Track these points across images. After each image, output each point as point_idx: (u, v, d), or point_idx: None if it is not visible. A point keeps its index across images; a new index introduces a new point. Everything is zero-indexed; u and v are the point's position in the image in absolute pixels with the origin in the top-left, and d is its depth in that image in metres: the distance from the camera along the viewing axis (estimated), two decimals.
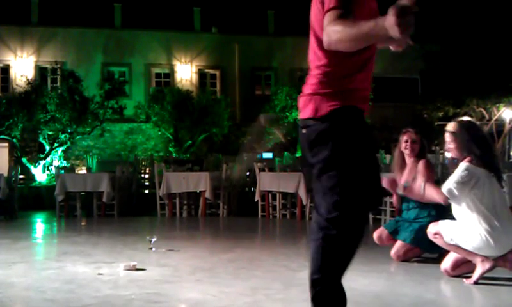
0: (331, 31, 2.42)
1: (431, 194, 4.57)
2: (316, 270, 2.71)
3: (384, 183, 5.23)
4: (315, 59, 2.84)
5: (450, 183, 4.37)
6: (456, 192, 4.33)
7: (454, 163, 4.55)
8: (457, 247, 4.44)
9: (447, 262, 4.64)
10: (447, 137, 4.55)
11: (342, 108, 2.62)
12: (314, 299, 2.71)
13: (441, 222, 4.62)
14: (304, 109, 2.73)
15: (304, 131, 2.70)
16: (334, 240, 2.65)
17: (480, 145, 4.41)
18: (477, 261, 4.36)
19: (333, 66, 2.70)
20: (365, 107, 2.73)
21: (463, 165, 4.39)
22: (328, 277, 2.70)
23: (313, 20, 2.85)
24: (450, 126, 4.59)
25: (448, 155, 4.71)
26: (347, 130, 2.63)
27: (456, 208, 4.49)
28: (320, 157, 2.63)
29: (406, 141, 5.61)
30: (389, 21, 2.13)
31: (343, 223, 2.63)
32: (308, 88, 2.78)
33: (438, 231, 4.54)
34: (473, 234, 4.31)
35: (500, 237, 4.27)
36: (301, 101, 2.78)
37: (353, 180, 2.60)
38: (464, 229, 4.39)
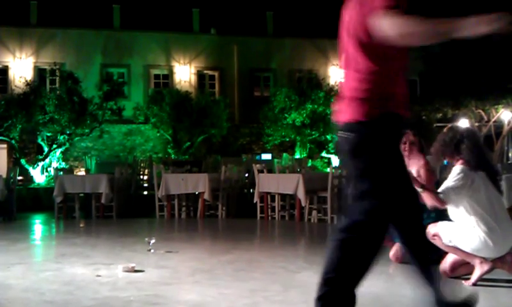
0: (400, 25, 2.43)
1: (428, 200, 4.58)
2: (331, 270, 2.69)
3: None
4: (352, 63, 2.78)
5: (446, 187, 4.38)
6: (452, 195, 4.35)
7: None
8: (456, 249, 4.44)
9: (445, 263, 4.64)
10: (442, 138, 4.59)
11: (385, 114, 2.66)
12: (321, 298, 2.67)
13: (439, 223, 4.62)
14: (346, 112, 2.73)
15: (345, 134, 2.72)
16: (353, 244, 2.67)
17: (474, 147, 4.44)
18: (476, 262, 4.36)
19: (375, 70, 2.71)
20: (407, 113, 2.78)
21: (457, 167, 4.40)
22: (341, 279, 2.69)
23: (352, 24, 2.76)
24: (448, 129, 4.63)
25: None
26: (388, 139, 2.69)
27: (453, 211, 4.50)
28: (359, 162, 2.68)
29: (404, 143, 5.62)
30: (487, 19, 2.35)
31: (366, 230, 2.66)
32: (348, 91, 2.77)
33: (437, 232, 4.55)
34: (472, 236, 4.31)
35: (499, 238, 4.28)
36: (342, 103, 2.78)
37: (386, 190, 2.66)
38: (462, 230, 4.39)
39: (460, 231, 4.40)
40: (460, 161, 4.42)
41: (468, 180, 4.33)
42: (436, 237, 4.55)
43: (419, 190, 4.66)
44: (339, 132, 2.77)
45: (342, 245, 2.68)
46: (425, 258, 2.91)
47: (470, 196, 4.33)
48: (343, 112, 2.75)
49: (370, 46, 2.66)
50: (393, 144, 2.73)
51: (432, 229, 4.61)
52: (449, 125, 4.70)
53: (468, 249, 4.35)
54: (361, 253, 2.69)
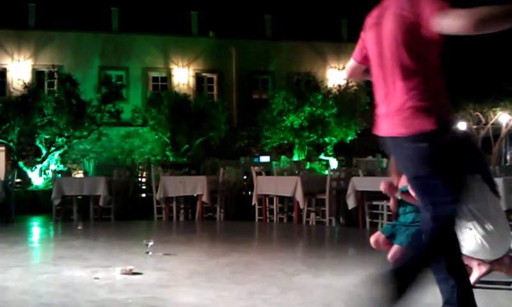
0: (474, 14, 2.47)
1: None
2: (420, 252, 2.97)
3: (382, 186, 5.28)
4: (402, 72, 2.81)
5: None
6: None
7: None
8: None
9: None
10: None
11: (446, 122, 2.81)
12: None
13: None
14: (413, 124, 2.75)
15: (418, 145, 2.76)
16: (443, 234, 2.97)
17: (470, 150, 4.44)
18: (474, 265, 4.37)
19: (429, 78, 2.81)
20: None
21: None
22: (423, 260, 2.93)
23: (399, 34, 2.81)
24: None
25: None
26: (455, 144, 2.85)
27: None
28: (440, 168, 2.79)
29: None
30: None
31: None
32: (404, 102, 2.79)
33: None
34: (469, 238, 4.32)
35: (496, 241, 4.28)
36: (404, 114, 2.79)
37: (465, 189, 2.95)
38: (460, 233, 4.39)
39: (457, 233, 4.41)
40: None
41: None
42: None
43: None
44: (407, 144, 2.79)
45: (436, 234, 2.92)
46: None
47: (466, 199, 4.33)
48: (411, 124, 2.75)
49: (424, 56, 2.79)
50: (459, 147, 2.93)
51: None
52: None
53: (465, 252, 4.36)
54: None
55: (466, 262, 4.41)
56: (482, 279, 4.38)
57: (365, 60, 3.20)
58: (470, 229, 4.31)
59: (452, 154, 2.78)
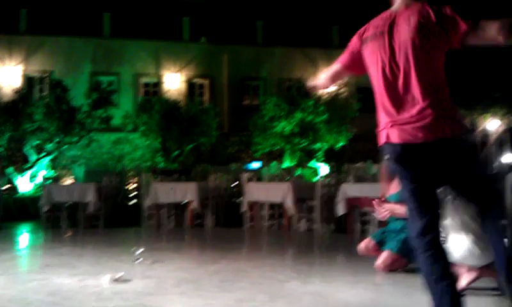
0: (500, 25, 2.81)
1: None
2: None
3: (375, 205, 5.35)
4: (421, 81, 2.93)
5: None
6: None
7: None
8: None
9: None
10: None
11: (466, 127, 3.06)
12: None
13: None
14: (454, 128, 2.91)
15: (458, 146, 2.92)
16: None
17: None
18: (463, 271, 4.37)
19: (444, 87, 3.00)
20: None
21: None
22: None
23: (422, 43, 2.94)
24: None
25: None
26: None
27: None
28: (476, 158, 3.13)
29: None
30: None
31: None
32: (426, 108, 2.90)
33: None
34: (459, 244, 4.33)
35: (485, 246, 4.29)
36: (427, 121, 2.89)
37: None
38: (449, 239, 4.41)
39: (447, 239, 4.42)
40: None
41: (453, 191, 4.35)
42: None
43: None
44: (454, 142, 2.90)
45: None
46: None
47: (456, 206, 4.35)
48: (452, 129, 2.90)
49: (440, 66, 2.99)
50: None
51: None
52: None
53: (455, 257, 4.36)
54: None
55: (455, 269, 4.43)
56: (472, 285, 4.39)
57: (353, 67, 3.35)
58: (460, 235, 4.33)
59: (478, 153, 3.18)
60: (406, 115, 2.92)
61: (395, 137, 2.96)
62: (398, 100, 2.96)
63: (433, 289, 2.95)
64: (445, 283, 2.90)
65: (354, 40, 3.25)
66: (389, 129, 3.00)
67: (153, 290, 4.72)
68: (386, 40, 3.00)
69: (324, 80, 3.55)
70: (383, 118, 3.05)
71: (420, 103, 2.89)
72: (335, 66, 3.43)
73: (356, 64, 3.30)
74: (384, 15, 3.08)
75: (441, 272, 2.94)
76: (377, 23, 3.08)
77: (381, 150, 3.10)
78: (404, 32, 2.93)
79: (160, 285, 4.96)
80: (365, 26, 3.19)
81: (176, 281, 5.16)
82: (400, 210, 5.14)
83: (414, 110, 2.89)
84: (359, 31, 3.23)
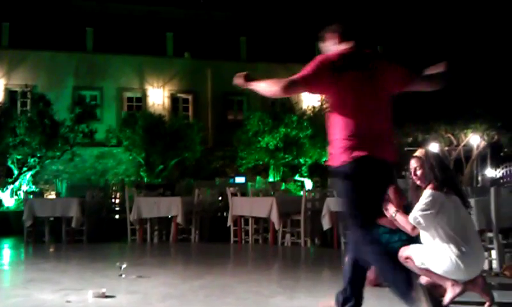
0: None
1: (402, 223, 4.66)
2: None
3: None
4: (386, 111, 3.93)
5: (415, 212, 4.45)
6: (421, 220, 4.41)
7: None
8: (428, 271, 4.48)
9: None
10: (414, 163, 4.67)
11: None
12: None
13: (412, 246, 4.66)
14: (395, 153, 3.83)
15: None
16: None
17: (444, 172, 4.55)
18: (448, 285, 4.40)
19: None
20: None
21: (427, 192, 4.47)
22: None
23: (393, 82, 4.01)
24: (419, 152, 4.72)
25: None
26: None
27: (424, 235, 4.55)
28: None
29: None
30: None
31: None
32: (390, 134, 3.88)
33: (409, 255, 4.58)
34: (443, 258, 4.36)
35: (470, 261, 4.33)
36: (391, 144, 3.88)
37: None
38: (434, 253, 4.44)
39: (432, 253, 4.45)
40: (430, 185, 4.49)
41: (437, 205, 4.39)
42: (408, 260, 4.58)
43: (392, 214, 4.73)
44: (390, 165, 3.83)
45: None
46: None
47: (440, 220, 4.39)
48: (394, 153, 3.83)
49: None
50: None
51: (405, 252, 4.64)
52: (418, 151, 4.78)
53: (440, 271, 4.39)
54: None
55: (440, 282, 4.46)
56: (457, 299, 4.41)
57: (316, 90, 4.07)
58: (445, 249, 4.36)
59: None
60: (382, 136, 3.74)
61: (383, 152, 3.71)
62: (373, 123, 3.73)
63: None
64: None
65: (325, 70, 3.74)
66: (377, 144, 3.70)
67: (138, 305, 4.68)
68: (370, 75, 3.75)
69: (288, 91, 3.94)
70: (368, 135, 3.68)
71: (387, 130, 3.81)
72: (299, 86, 3.87)
73: (319, 89, 4.05)
74: (360, 52, 3.81)
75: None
76: (353, 59, 3.75)
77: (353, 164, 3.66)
78: (385, 73, 3.84)
79: (145, 300, 4.92)
80: (333, 58, 3.76)
81: (161, 296, 5.12)
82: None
83: (385, 134, 3.78)
84: (327, 61, 3.77)
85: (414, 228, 4.53)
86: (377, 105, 3.76)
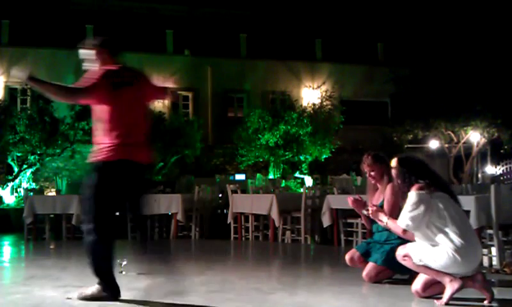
0: None
1: (393, 229, 4.72)
2: None
3: (349, 200, 5.42)
4: (145, 118, 4.74)
5: (404, 216, 4.50)
6: (410, 222, 4.47)
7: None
8: (426, 268, 4.49)
9: (417, 283, 4.69)
10: (393, 173, 4.77)
11: None
12: None
13: (409, 244, 4.68)
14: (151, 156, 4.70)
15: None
16: None
17: (421, 173, 4.59)
18: (446, 281, 4.41)
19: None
20: None
21: (412, 194, 4.51)
22: None
23: (150, 96, 4.90)
24: (392, 162, 4.80)
25: None
26: None
27: (418, 235, 4.58)
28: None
29: (366, 171, 5.71)
30: None
31: None
32: (145, 139, 4.63)
33: (407, 253, 4.60)
34: (441, 252, 4.37)
35: (467, 253, 4.35)
36: (146, 148, 4.63)
37: None
38: (431, 248, 4.46)
39: (429, 249, 4.47)
40: (415, 186, 4.53)
41: (423, 204, 4.44)
42: (406, 258, 4.60)
43: (384, 222, 4.80)
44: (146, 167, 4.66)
45: None
46: None
47: (430, 217, 4.43)
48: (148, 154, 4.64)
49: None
50: None
51: (402, 250, 4.67)
52: (392, 161, 4.83)
53: (437, 266, 4.41)
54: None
55: (438, 279, 4.47)
56: (456, 296, 4.43)
57: (95, 101, 4.45)
58: (441, 244, 4.38)
59: None
60: (138, 140, 4.48)
61: (137, 156, 4.44)
62: (133, 129, 4.45)
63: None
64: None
65: (106, 84, 4.38)
66: (132, 148, 4.41)
67: (139, 302, 4.69)
68: (137, 89, 4.54)
69: (60, 95, 4.62)
70: (125, 140, 4.35)
71: (142, 136, 4.57)
72: (82, 95, 4.46)
73: (98, 101, 4.43)
74: (125, 67, 4.65)
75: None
76: (123, 73, 4.54)
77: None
78: (145, 88, 4.67)
79: (146, 297, 4.93)
80: (112, 73, 4.44)
81: (162, 292, 5.13)
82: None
83: (141, 139, 4.52)
84: (108, 76, 4.41)
85: (405, 231, 4.57)
86: (140, 115, 4.54)
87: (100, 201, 4.41)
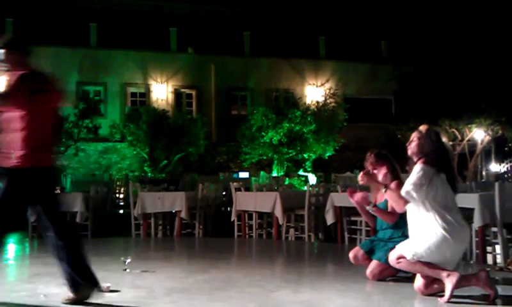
0: None
1: (394, 198, 4.72)
2: None
3: (348, 193, 5.45)
4: (52, 127, 4.57)
5: (407, 186, 4.53)
6: (413, 193, 4.50)
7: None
8: (423, 266, 4.49)
9: (419, 281, 4.69)
10: (415, 134, 4.75)
11: None
12: None
13: (398, 245, 4.71)
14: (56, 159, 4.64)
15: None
16: None
17: (441, 152, 4.63)
18: (443, 277, 4.41)
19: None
20: None
21: (417, 166, 4.55)
22: None
23: (55, 101, 4.70)
24: (422, 127, 4.79)
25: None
26: None
27: (411, 212, 4.62)
28: None
29: (370, 169, 5.71)
30: None
31: None
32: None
33: (399, 254, 4.61)
34: (430, 236, 4.43)
35: (456, 233, 4.41)
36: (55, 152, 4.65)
37: None
38: (421, 235, 4.49)
39: (419, 237, 4.50)
40: (421, 160, 4.58)
41: (428, 178, 4.48)
42: (400, 260, 4.61)
43: (382, 190, 4.84)
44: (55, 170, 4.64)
45: None
46: None
47: (428, 194, 4.47)
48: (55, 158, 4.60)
49: None
50: None
51: (394, 253, 4.69)
52: (422, 126, 4.82)
53: (430, 253, 4.42)
54: None
55: (436, 276, 4.47)
56: (460, 293, 4.42)
57: (14, 106, 4.31)
58: (431, 223, 4.43)
59: None
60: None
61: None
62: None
63: None
64: None
65: (25, 89, 4.29)
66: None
67: (143, 300, 4.70)
68: (48, 96, 4.49)
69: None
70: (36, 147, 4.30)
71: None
72: (6, 100, 4.31)
73: (17, 106, 4.30)
74: (40, 73, 4.58)
75: None
76: (39, 80, 4.48)
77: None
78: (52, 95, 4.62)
79: (150, 295, 4.94)
80: (30, 78, 4.39)
81: (167, 290, 5.14)
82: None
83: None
84: (23, 82, 4.31)
85: (405, 202, 4.58)
86: (50, 120, 4.48)
87: (6, 205, 4.39)
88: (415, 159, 4.67)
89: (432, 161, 4.55)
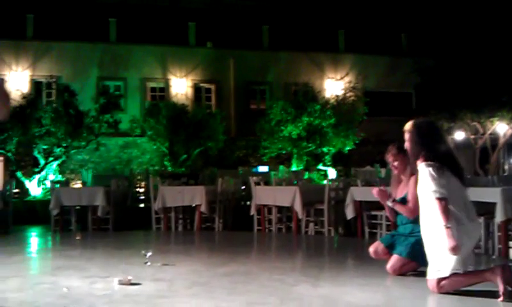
0: None
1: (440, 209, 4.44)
2: None
3: (373, 191, 5.42)
4: None
5: (433, 188, 4.38)
6: (443, 190, 4.33)
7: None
8: (464, 276, 4.37)
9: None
10: (405, 135, 4.71)
11: None
12: None
13: (428, 275, 4.58)
14: None
15: None
16: None
17: (438, 143, 4.56)
18: (487, 277, 4.31)
19: None
20: None
21: (423, 167, 4.43)
22: None
23: None
24: (407, 124, 4.73)
25: None
26: None
27: (425, 213, 4.53)
28: None
29: (390, 161, 5.70)
30: None
31: None
32: None
33: (433, 279, 4.49)
34: (442, 238, 4.31)
35: (467, 220, 4.37)
36: None
37: None
38: (436, 245, 4.39)
39: (435, 248, 4.42)
40: (421, 159, 4.48)
41: (441, 171, 4.40)
42: (442, 284, 4.48)
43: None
44: None
45: None
46: None
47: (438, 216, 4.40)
48: None
49: None
50: None
51: (430, 283, 4.55)
52: (407, 124, 4.75)
53: (446, 252, 4.32)
54: None
55: (479, 281, 4.36)
56: (483, 288, 4.37)
57: None
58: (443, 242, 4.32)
59: None
60: None
61: None
62: None
63: None
64: None
65: None
66: None
67: (164, 293, 4.74)
68: None
69: None
70: None
71: None
72: None
73: None
74: None
75: None
76: None
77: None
78: None
79: (171, 288, 4.98)
80: None
81: (187, 283, 5.17)
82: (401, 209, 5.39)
83: None
84: None
85: (442, 200, 4.35)
86: None
87: None
88: (414, 160, 4.57)
89: (432, 155, 4.44)
